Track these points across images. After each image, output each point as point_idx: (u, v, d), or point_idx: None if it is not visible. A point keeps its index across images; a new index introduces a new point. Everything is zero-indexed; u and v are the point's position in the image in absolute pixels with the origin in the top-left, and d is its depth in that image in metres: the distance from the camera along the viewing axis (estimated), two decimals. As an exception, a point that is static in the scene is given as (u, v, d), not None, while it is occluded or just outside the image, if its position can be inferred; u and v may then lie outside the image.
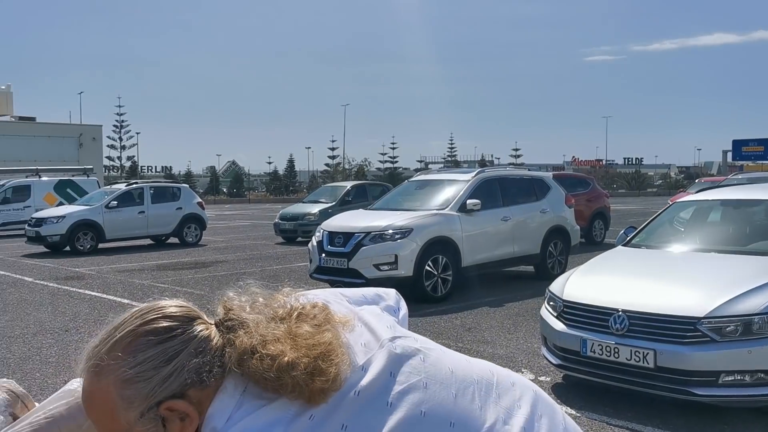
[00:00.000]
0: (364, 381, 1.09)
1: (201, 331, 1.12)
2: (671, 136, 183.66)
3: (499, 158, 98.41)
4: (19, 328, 7.84)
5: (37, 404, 1.62)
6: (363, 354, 1.13)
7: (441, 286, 9.07)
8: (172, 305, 1.16)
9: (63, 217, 16.43)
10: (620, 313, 4.62)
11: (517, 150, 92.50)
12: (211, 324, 1.15)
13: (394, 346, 1.17)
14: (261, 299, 1.20)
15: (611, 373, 4.65)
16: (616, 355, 4.56)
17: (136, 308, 1.16)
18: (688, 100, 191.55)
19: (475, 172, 10.49)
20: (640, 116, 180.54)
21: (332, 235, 9.32)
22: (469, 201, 9.62)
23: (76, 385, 1.56)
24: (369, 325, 1.21)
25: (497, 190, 10.34)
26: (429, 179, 11.15)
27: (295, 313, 1.16)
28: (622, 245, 6.19)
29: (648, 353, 4.42)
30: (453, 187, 10.10)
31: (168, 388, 1.06)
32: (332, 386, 1.06)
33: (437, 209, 9.67)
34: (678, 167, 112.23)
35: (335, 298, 1.30)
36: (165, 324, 1.11)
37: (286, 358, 1.05)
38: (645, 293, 4.81)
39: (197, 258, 14.88)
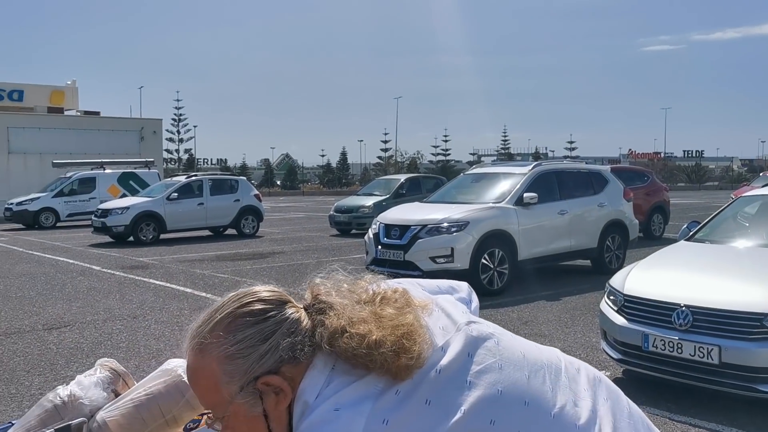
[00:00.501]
0: (444, 360, 1.17)
1: (292, 313, 1.21)
2: (734, 128, 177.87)
3: (553, 151, 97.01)
4: (90, 314, 8.19)
5: (136, 382, 1.74)
6: (441, 336, 1.21)
7: (497, 279, 9.07)
8: (265, 290, 1.25)
9: (127, 208, 17.00)
10: (684, 308, 4.57)
11: (571, 143, 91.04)
12: (300, 308, 1.24)
13: (470, 330, 1.24)
14: (345, 285, 1.28)
15: (674, 368, 4.60)
16: (679, 350, 4.51)
17: (233, 293, 1.25)
18: (752, 90, 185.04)
19: (532, 165, 10.43)
20: (700, 108, 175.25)
21: (389, 228, 9.41)
22: (525, 194, 9.58)
23: (172, 365, 1.67)
24: (445, 310, 1.29)
25: (554, 184, 10.26)
26: (485, 172, 11.13)
27: (379, 297, 1.25)
28: (685, 240, 6.09)
29: (713, 349, 4.37)
30: (509, 180, 10.06)
31: (264, 364, 1.15)
32: (416, 363, 1.13)
33: (494, 202, 9.65)
34: (741, 160, 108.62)
35: (412, 286, 1.38)
36: (260, 306, 1.20)
37: (373, 337, 1.13)
38: (709, 288, 4.74)
39: (255, 249, 15.20)
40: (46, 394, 1.66)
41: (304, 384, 1.15)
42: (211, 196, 18.10)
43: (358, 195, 20.34)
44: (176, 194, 17.68)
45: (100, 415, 1.61)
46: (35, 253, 14.95)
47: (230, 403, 1.16)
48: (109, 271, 11.90)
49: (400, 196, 18.22)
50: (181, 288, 9.93)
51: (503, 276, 9.14)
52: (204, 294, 9.39)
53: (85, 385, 1.65)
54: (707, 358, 4.39)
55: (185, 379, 1.62)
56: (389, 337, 1.14)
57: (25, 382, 5.56)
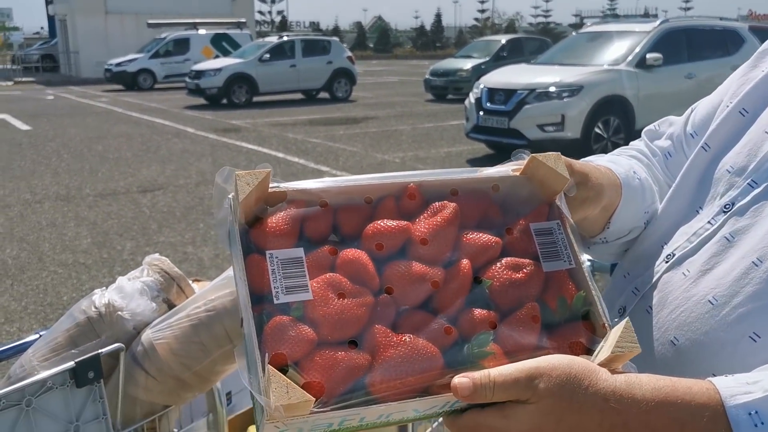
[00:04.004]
0: None
1: None
2: None
3: (665, 11, 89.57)
4: (183, 177, 8.05)
5: (196, 288, 1.29)
6: None
7: (610, 150, 8.26)
8: None
9: (220, 69, 16.72)
10: None
11: (687, 1, 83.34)
12: None
13: None
14: None
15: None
16: None
17: None
18: None
19: (658, 22, 9.21)
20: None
21: (492, 92, 8.64)
22: (649, 55, 8.52)
23: (242, 270, 1.21)
24: None
25: (682, 43, 9.06)
26: (602, 31, 9.98)
27: None
28: None
29: None
30: (630, 40, 8.95)
31: None
32: None
33: (610, 64, 8.66)
34: None
35: None
36: None
37: None
38: None
39: (348, 114, 14.73)
40: (80, 301, 1.24)
41: None
42: (303, 58, 17.52)
43: (455, 58, 19.23)
44: (268, 55, 17.21)
45: (147, 335, 1.17)
46: (133, 114, 15.06)
47: None
48: (202, 133, 11.78)
49: (500, 59, 17.02)
50: (274, 153, 9.65)
51: (617, 147, 8.31)
52: (296, 159, 9.08)
53: (128, 292, 1.21)
54: None
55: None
56: None
57: (117, 246, 5.45)
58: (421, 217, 0.71)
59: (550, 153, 0.75)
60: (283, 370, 0.60)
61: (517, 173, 0.76)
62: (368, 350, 0.63)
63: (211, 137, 11.30)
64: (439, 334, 0.64)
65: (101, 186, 7.65)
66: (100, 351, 1.05)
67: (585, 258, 0.73)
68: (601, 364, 0.64)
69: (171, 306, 1.23)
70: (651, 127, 1.15)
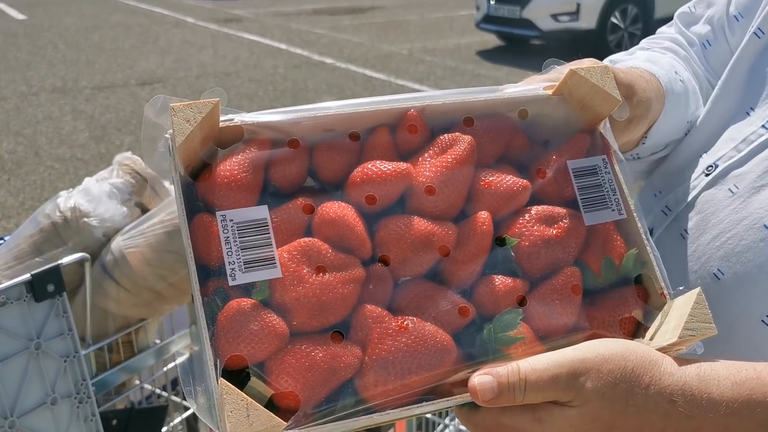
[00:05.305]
0: None
1: None
2: None
3: None
4: (182, 70, 7.80)
5: (172, 191, 1.17)
6: None
7: (627, 42, 7.92)
8: None
9: (219, -45, 15.96)
10: None
11: None
12: None
13: None
14: None
15: None
16: None
17: None
18: None
19: None
20: None
21: (505, -21, 8.20)
22: (673, -62, 7.99)
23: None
24: None
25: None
26: None
27: None
28: None
29: None
30: None
31: None
32: None
33: (632, -51, 8.16)
34: None
35: None
36: None
37: None
38: None
39: (353, 3, 14.13)
40: (44, 205, 1.13)
41: None
42: (306, -58, 16.68)
43: (466, -58, 18.27)
44: (270, -60, 16.36)
45: (117, 243, 1.07)
46: (130, 2, 14.49)
47: None
48: (203, 24, 11.34)
49: (514, -57, 16.16)
50: (276, 44, 9.31)
51: (635, 38, 7.95)
52: (300, 51, 8.76)
53: (95, 194, 1.10)
54: None
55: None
56: None
57: (115, 141, 5.31)
58: (426, 155, 0.55)
59: (593, 65, 0.57)
60: (244, 377, 0.46)
61: (550, 92, 0.58)
62: (358, 342, 0.49)
63: (211, 27, 10.89)
64: (451, 315, 0.50)
65: (98, 78, 7.42)
66: (60, 262, 0.94)
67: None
68: (661, 350, 0.50)
69: (144, 210, 1.12)
70: (685, 8, 0.95)
